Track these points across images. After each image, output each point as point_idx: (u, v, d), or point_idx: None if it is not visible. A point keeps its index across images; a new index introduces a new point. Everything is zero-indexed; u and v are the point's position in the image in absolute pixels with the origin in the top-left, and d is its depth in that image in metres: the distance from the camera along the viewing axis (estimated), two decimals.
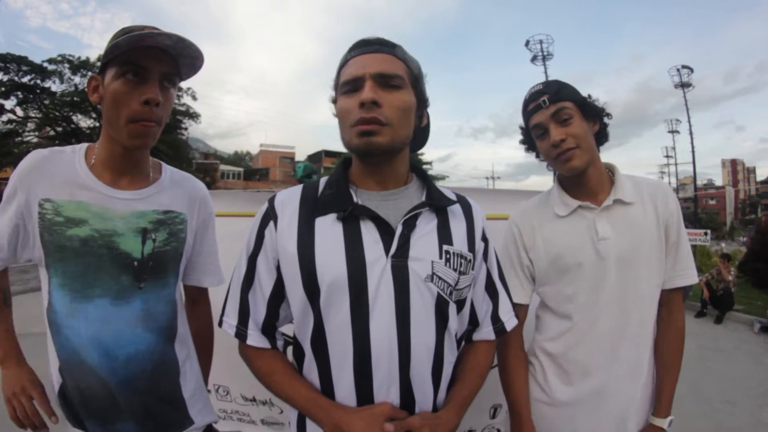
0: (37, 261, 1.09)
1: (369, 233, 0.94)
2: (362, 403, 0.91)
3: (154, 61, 1.03)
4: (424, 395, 0.94)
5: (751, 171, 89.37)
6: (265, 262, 1.00)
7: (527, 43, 31.25)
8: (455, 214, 1.05)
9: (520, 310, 1.30)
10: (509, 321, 1.12)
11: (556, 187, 1.38)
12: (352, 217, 0.95)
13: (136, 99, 1.02)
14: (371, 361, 0.91)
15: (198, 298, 1.38)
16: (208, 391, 1.35)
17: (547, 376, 1.33)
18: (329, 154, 49.83)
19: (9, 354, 1.18)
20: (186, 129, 30.89)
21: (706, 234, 9.97)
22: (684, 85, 34.04)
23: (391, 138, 0.93)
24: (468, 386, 1.03)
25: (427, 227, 0.98)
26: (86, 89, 1.11)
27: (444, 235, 0.99)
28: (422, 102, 1.02)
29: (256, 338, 1.01)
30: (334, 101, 1.01)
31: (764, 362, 5.90)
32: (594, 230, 1.26)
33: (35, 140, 25.45)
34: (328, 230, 0.95)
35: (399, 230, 0.95)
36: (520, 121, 1.36)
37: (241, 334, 1.01)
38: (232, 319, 1.03)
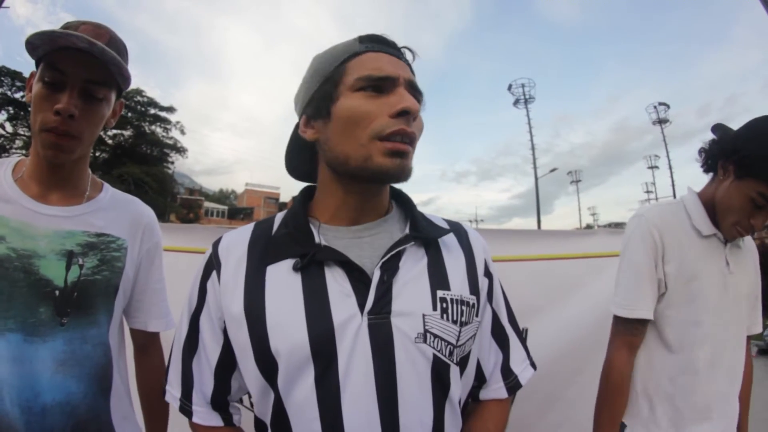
0: None
1: (337, 283, 0.72)
2: None
3: (75, 65, 0.89)
4: None
5: None
6: (209, 324, 0.79)
7: (510, 87, 32.82)
8: (449, 247, 0.82)
9: (641, 331, 1.24)
10: (524, 372, 0.89)
11: (698, 205, 1.27)
12: (314, 264, 0.73)
13: (50, 107, 0.88)
14: None
15: (147, 344, 1.16)
16: None
17: (656, 417, 1.22)
18: None
19: None
20: (173, 163, 30.96)
21: None
22: (662, 122, 35.38)
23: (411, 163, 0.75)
24: None
25: (414, 269, 0.76)
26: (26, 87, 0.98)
27: (437, 277, 0.76)
28: None
29: (203, 415, 0.80)
30: (329, 98, 0.75)
31: (766, 385, 5.79)
32: (725, 261, 1.23)
33: (21, 159, 25.30)
34: (283, 282, 0.73)
35: (377, 276, 0.72)
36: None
37: (185, 409, 0.81)
38: (175, 390, 0.82)
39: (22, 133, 25.91)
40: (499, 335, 0.88)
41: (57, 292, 0.91)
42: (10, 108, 24.92)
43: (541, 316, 1.78)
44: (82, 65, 0.89)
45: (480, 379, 0.87)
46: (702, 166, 1.30)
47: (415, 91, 0.74)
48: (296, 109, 0.83)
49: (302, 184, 0.89)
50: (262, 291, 0.73)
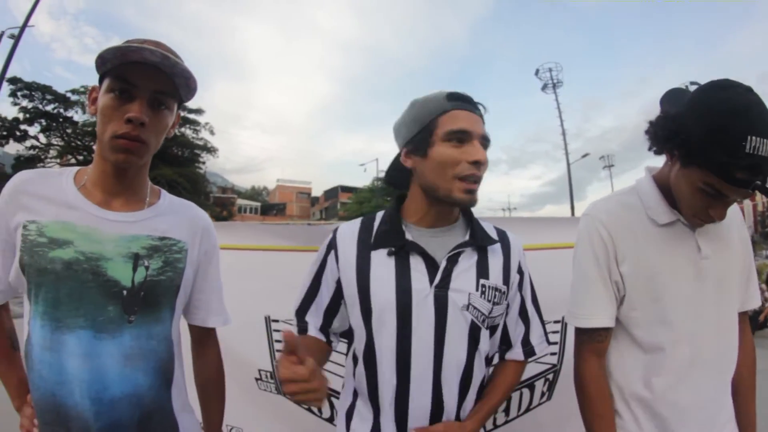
0: (22, 289, 0.99)
1: (416, 266, 1.09)
2: (400, 402, 1.07)
3: (144, 77, 0.96)
4: (451, 402, 1.07)
5: None
6: (326, 282, 1.18)
7: (537, 72, 31.36)
8: (494, 251, 1.16)
9: (606, 336, 1.15)
10: (539, 345, 1.22)
11: (653, 190, 1.14)
12: (403, 251, 1.10)
13: (121, 116, 0.95)
14: (410, 371, 1.06)
15: (204, 338, 1.24)
16: None
17: (640, 424, 1.11)
18: (345, 189, 50.51)
19: (25, 402, 1.06)
20: (204, 163, 31.54)
21: None
22: None
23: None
24: (492, 401, 1.14)
25: (467, 263, 1.11)
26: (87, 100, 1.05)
27: (482, 270, 1.11)
28: None
29: (313, 333, 1.18)
30: (426, 143, 1.07)
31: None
32: (696, 246, 1.09)
33: (57, 167, 26.06)
34: (382, 263, 1.10)
35: (443, 265, 1.08)
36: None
37: (302, 328, 1.19)
38: (301, 321, 1.21)
39: (56, 143, 26.72)
40: (523, 315, 1.21)
41: (125, 292, 0.98)
42: (43, 120, 25.67)
43: None
44: (150, 77, 0.97)
45: (507, 344, 1.21)
46: (649, 149, 1.09)
47: (485, 141, 1.07)
48: (397, 141, 1.17)
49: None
50: (368, 266, 1.11)
